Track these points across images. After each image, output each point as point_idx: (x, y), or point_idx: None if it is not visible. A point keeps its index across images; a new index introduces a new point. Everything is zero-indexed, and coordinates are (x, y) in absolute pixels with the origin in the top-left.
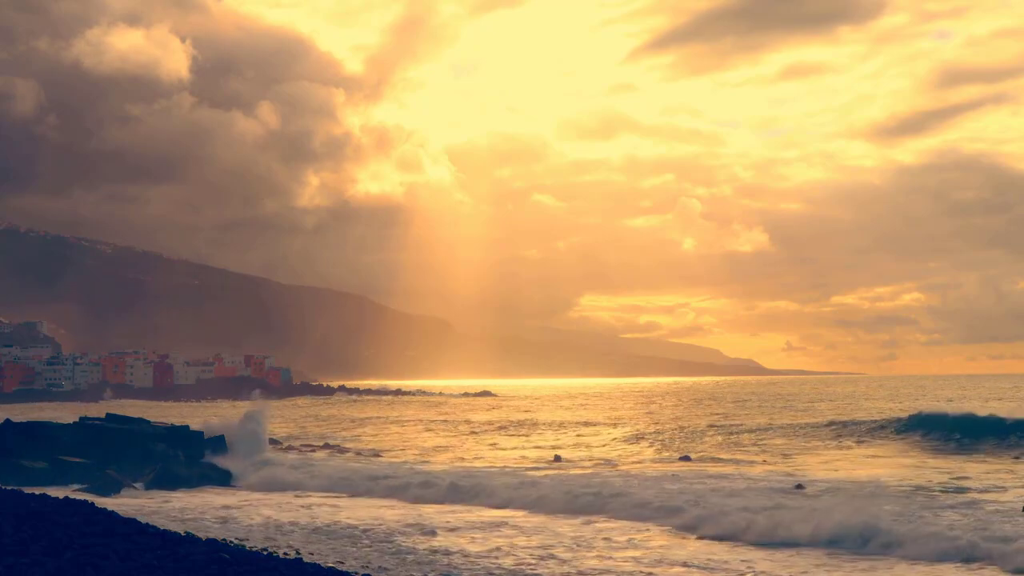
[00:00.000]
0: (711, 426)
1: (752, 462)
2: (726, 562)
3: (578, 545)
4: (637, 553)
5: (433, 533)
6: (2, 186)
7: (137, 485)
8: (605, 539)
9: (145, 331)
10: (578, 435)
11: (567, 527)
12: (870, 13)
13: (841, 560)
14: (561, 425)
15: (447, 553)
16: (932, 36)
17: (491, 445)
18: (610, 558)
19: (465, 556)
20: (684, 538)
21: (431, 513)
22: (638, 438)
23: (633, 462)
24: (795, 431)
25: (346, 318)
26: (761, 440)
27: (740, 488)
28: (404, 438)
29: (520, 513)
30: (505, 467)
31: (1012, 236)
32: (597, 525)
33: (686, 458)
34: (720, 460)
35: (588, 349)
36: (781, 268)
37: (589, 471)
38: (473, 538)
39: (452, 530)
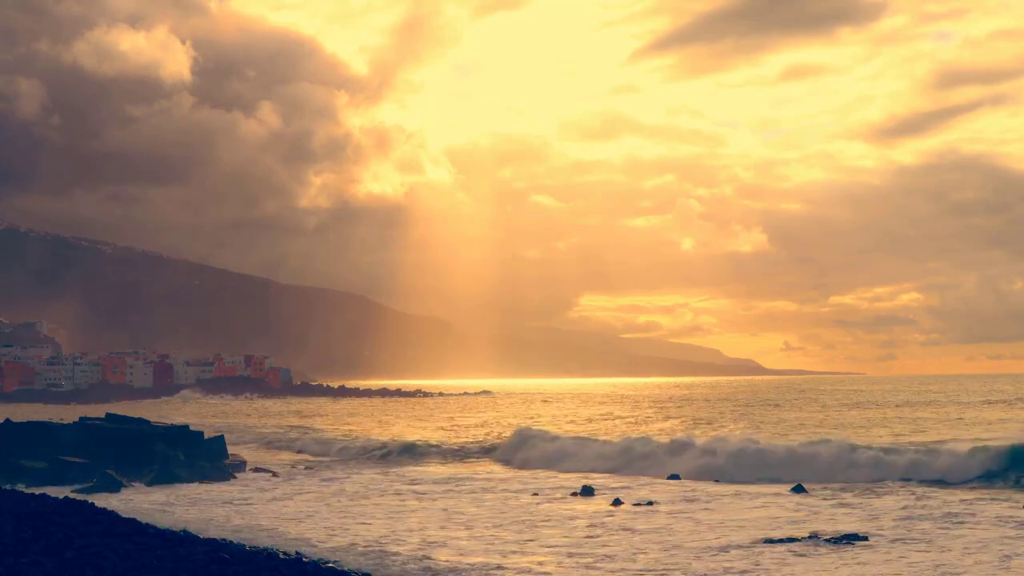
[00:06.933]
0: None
1: None
2: None
3: None
4: None
5: None
6: (3, 186)
7: (137, 485)
8: None
9: (145, 331)
10: None
11: None
12: (870, 14)
13: None
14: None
15: None
16: (932, 37)
17: None
18: None
19: None
20: None
21: None
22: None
23: None
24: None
25: (347, 318)
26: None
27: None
28: None
29: None
30: None
31: (1011, 236)
32: None
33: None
34: None
35: (588, 349)
36: (780, 268)
37: None
38: None
39: None
